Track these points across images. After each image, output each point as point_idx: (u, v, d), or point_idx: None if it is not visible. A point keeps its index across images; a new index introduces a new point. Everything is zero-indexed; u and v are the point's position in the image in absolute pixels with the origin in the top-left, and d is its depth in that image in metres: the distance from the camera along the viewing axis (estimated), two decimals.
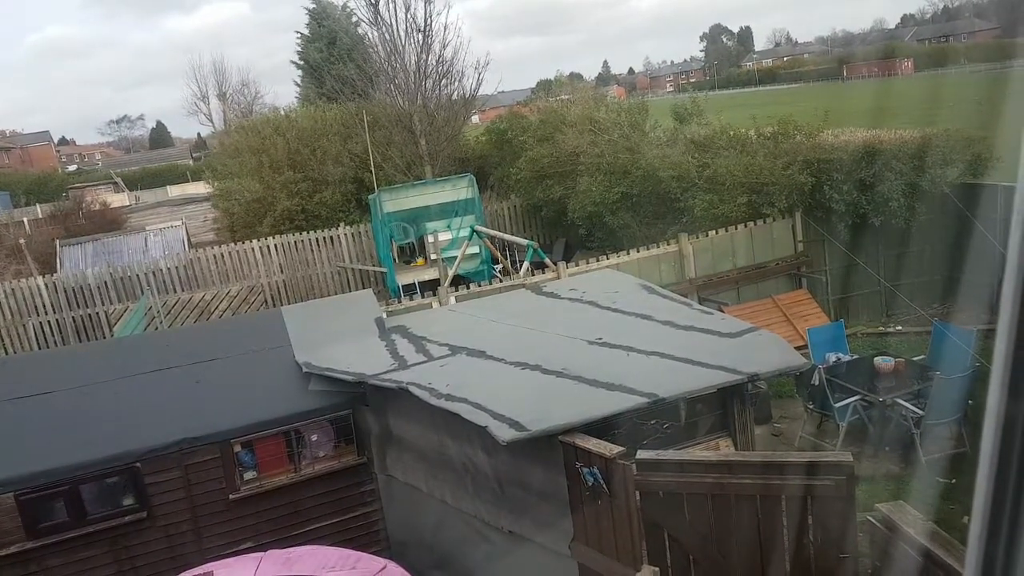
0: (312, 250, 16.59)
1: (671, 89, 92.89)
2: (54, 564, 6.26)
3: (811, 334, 9.35)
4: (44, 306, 15.11)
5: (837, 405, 7.69)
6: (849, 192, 10.67)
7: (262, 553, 5.64)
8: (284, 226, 17.43)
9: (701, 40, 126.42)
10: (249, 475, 6.76)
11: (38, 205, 34.02)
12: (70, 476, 6.16)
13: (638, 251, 11.13)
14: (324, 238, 16.69)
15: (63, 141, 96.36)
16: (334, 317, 8.08)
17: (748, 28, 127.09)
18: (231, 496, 6.62)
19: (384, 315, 8.10)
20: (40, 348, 14.79)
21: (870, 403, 7.76)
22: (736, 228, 11.30)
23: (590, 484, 4.76)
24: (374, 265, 16.51)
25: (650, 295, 7.67)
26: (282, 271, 16.41)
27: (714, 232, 11.30)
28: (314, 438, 6.94)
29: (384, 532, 7.05)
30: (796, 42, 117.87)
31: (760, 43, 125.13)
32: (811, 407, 8.23)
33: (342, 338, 7.44)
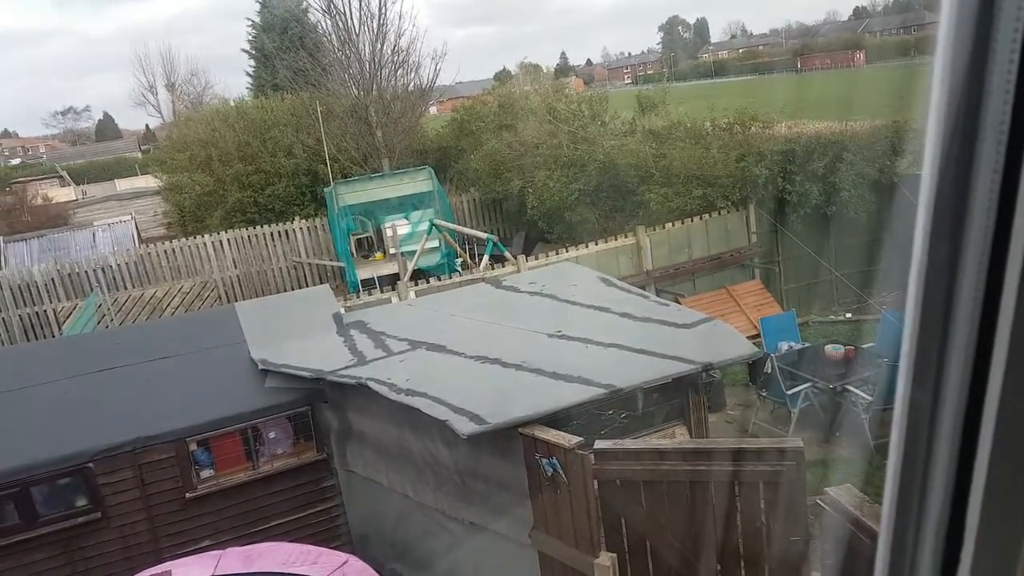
0: (266, 244, 16.34)
1: (628, 81, 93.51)
2: (4, 568, 6.10)
3: (764, 323, 9.59)
4: None
5: (789, 392, 7.90)
6: (802, 183, 10.93)
7: (221, 551, 5.58)
8: (236, 219, 17.13)
9: (658, 32, 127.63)
10: (206, 473, 6.67)
11: None
12: (19, 477, 6.01)
13: (596, 244, 11.25)
14: (278, 232, 16.45)
15: (6, 134, 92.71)
16: (291, 313, 8.01)
17: (704, 20, 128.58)
18: (188, 495, 6.53)
19: (343, 311, 8.05)
20: None
21: (821, 390, 8.00)
22: (692, 220, 11.50)
23: (549, 474, 4.83)
24: (331, 260, 16.34)
25: (608, 287, 7.77)
26: (236, 266, 16.13)
27: (670, 224, 11.48)
28: (272, 435, 6.88)
29: (345, 527, 7.04)
30: (751, 34, 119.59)
31: (716, 35, 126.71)
32: (764, 394, 8.45)
33: (299, 334, 7.38)
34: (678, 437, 5.97)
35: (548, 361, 5.80)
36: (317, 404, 6.81)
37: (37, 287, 14.96)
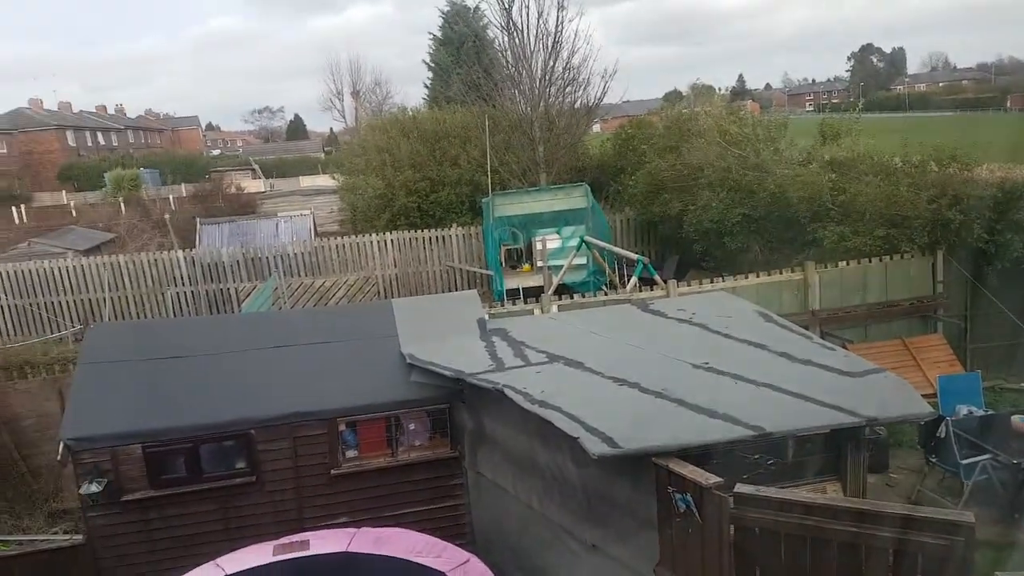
0: (425, 248, 17.09)
1: (810, 108, 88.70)
2: (171, 513, 6.77)
3: (942, 382, 8.69)
4: (182, 278, 16.40)
5: (964, 462, 7.10)
6: (1003, 233, 9.81)
7: (355, 529, 5.85)
8: (400, 222, 18.04)
9: (848, 59, 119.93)
10: (351, 453, 7.06)
11: (183, 184, 37.00)
12: (192, 435, 6.65)
13: (758, 276, 10.69)
14: (437, 237, 17.15)
15: (209, 127, 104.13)
16: (440, 314, 8.29)
17: (901, 49, 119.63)
18: (332, 471, 6.94)
19: (487, 316, 8.22)
20: (176, 316, 16.05)
21: (1002, 464, 7.11)
22: (870, 261, 10.65)
23: (681, 510, 4.62)
24: (481, 267, 16.78)
25: (767, 323, 7.34)
26: (396, 265, 17.00)
27: (844, 263, 10.69)
28: (412, 427, 7.14)
29: (470, 526, 7.15)
30: (955, 67, 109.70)
31: (914, 66, 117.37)
32: (934, 461, 7.63)
33: (445, 335, 7.61)
34: (829, 494, 5.51)
35: (691, 393, 5.56)
36: (455, 403, 6.99)
37: (224, 267, 16.59)
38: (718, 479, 4.47)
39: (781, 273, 10.73)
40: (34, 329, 15.68)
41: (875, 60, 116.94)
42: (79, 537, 6.91)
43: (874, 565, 4.09)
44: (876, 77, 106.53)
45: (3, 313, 15.91)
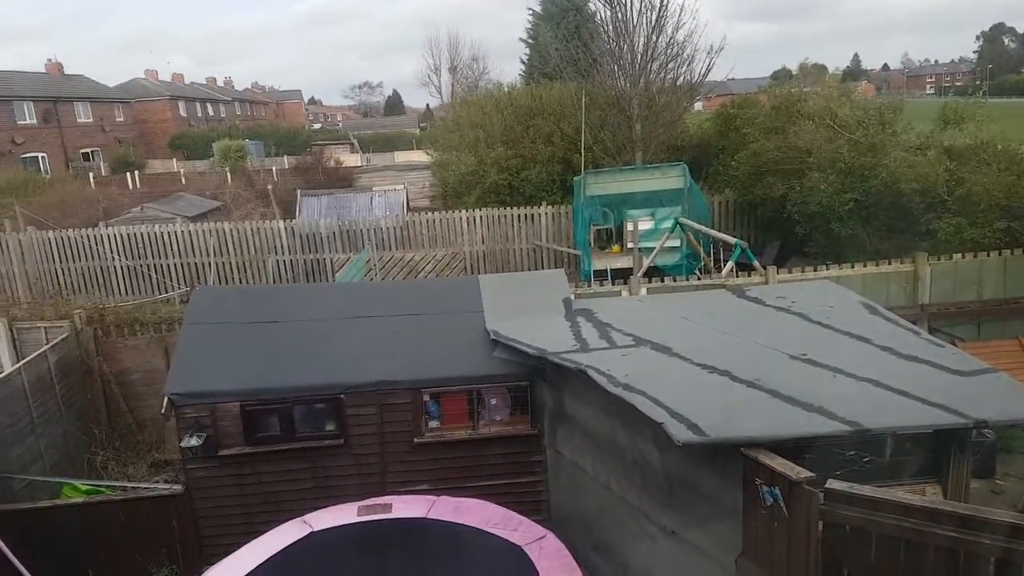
0: (513, 225, 17.12)
1: (931, 91, 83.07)
2: (264, 470, 7.12)
3: None
4: (282, 247, 17.12)
5: None
6: None
7: (435, 497, 5.98)
8: (490, 199, 18.10)
9: (977, 39, 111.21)
10: (433, 424, 7.21)
11: (285, 157, 38.51)
12: (286, 397, 6.94)
13: (864, 265, 10.15)
14: (525, 215, 17.14)
15: (312, 100, 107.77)
16: (526, 291, 8.28)
17: None
18: (415, 440, 7.10)
19: (573, 296, 8.15)
20: (275, 283, 16.78)
21: None
22: (987, 255, 9.91)
23: (768, 504, 4.46)
24: (569, 247, 16.67)
25: (871, 315, 6.95)
26: (483, 242, 17.13)
27: (959, 256, 9.99)
28: (493, 402, 7.21)
29: (546, 504, 7.18)
30: None
31: None
32: None
33: (530, 312, 7.61)
34: (928, 496, 5.20)
35: (786, 384, 5.35)
36: (537, 381, 6.99)
37: (321, 238, 17.19)
38: (809, 474, 4.30)
39: (889, 264, 10.15)
40: (144, 289, 16.79)
41: (1007, 41, 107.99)
42: (178, 487, 7.33)
43: (973, 574, 3.84)
44: (1007, 59, 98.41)
45: (117, 273, 17.08)
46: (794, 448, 4.72)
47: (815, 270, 10.14)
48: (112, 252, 16.97)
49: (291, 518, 5.81)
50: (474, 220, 17.10)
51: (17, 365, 8.72)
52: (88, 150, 44.47)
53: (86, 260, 17.09)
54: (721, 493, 4.95)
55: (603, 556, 6.32)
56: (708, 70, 18.15)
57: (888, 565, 4.11)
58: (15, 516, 7.18)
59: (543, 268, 16.45)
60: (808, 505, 4.25)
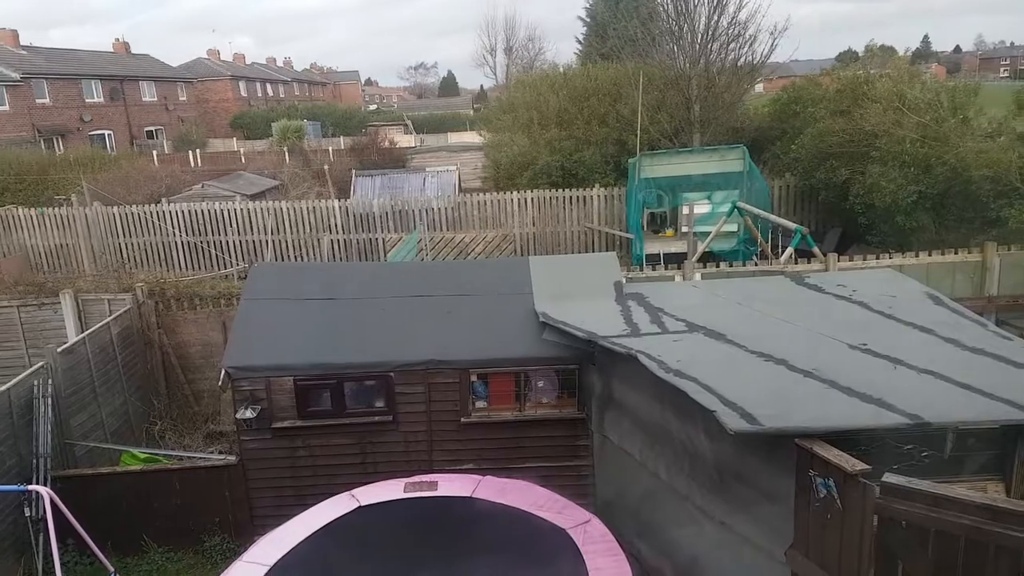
0: (564, 207, 17.02)
1: (1006, 74, 78.88)
2: (315, 443, 7.28)
3: None
4: (337, 226, 17.40)
5: None
6: None
7: (481, 477, 6.01)
8: (541, 180, 18.02)
9: None
10: (480, 404, 7.24)
11: (341, 137, 39.01)
12: (338, 372, 7.06)
13: (929, 254, 9.76)
14: (577, 197, 17.00)
15: (368, 82, 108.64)
16: (576, 274, 8.21)
17: None
18: (462, 420, 7.15)
19: (624, 280, 8.05)
20: (329, 261, 17.08)
21: None
22: None
23: (822, 495, 4.34)
24: (621, 230, 16.47)
25: (936, 306, 6.68)
26: (534, 224, 17.09)
27: None
28: (540, 384, 7.19)
29: (592, 488, 7.15)
30: None
31: None
32: None
33: (580, 295, 7.55)
34: (991, 493, 4.98)
35: (844, 374, 5.18)
36: (585, 365, 6.94)
37: (374, 217, 17.40)
38: (865, 466, 4.17)
39: (956, 253, 9.73)
40: (203, 265, 17.31)
41: None
42: (232, 458, 7.53)
43: None
44: None
45: (178, 249, 17.64)
46: (850, 440, 4.58)
47: (877, 258, 9.80)
48: (173, 228, 17.52)
49: (339, 492, 5.93)
50: (525, 201, 17.06)
51: (82, 335, 9.03)
52: (152, 128, 45.89)
53: (148, 235, 17.70)
54: (772, 483, 4.85)
55: (648, 543, 6.27)
56: (771, 51, 17.72)
57: (946, 563, 3.97)
58: (76, 481, 7.50)
59: (594, 251, 16.32)
60: (863, 499, 4.13)
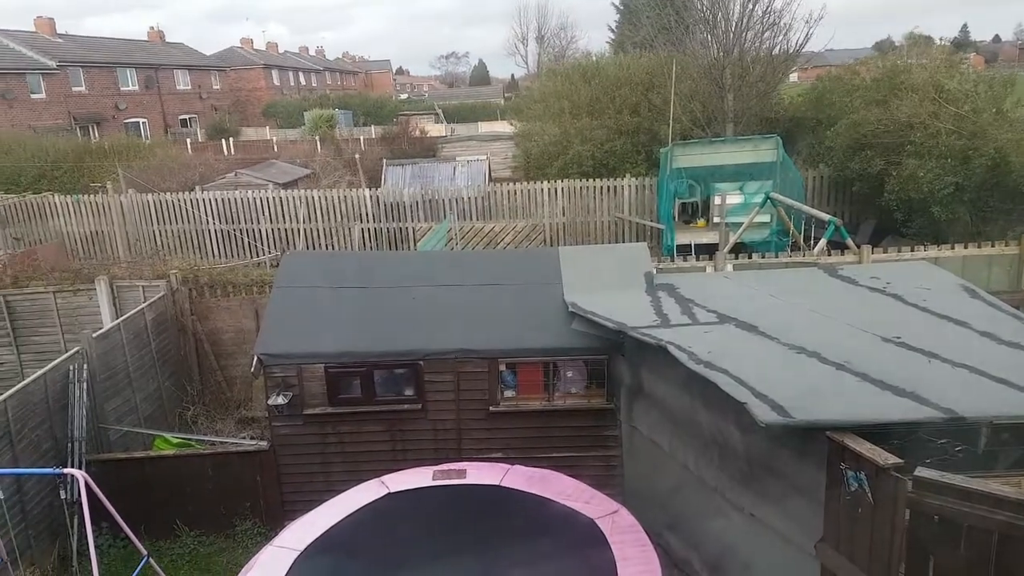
0: (595, 197, 16.92)
1: None
2: (345, 430, 7.38)
3: None
4: (367, 215, 17.53)
5: None
6: None
7: (509, 466, 6.05)
8: (572, 170, 17.92)
9: None
10: (508, 393, 7.28)
11: (372, 126, 39.18)
12: (368, 360, 7.15)
13: (965, 247, 9.56)
14: (608, 187, 16.89)
15: (399, 71, 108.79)
16: (606, 264, 8.19)
17: None
18: (491, 408, 7.20)
19: (654, 271, 8.01)
20: (360, 249, 17.22)
21: None
22: None
23: (853, 489, 4.30)
24: (652, 220, 16.35)
25: (971, 299, 6.55)
26: (564, 214, 17.03)
27: None
28: (569, 374, 7.20)
29: (620, 479, 7.16)
30: None
31: None
32: None
33: (610, 286, 7.53)
34: None
35: (877, 367, 5.11)
36: (614, 355, 6.94)
37: (404, 206, 17.50)
38: (897, 460, 4.12)
39: (993, 246, 9.52)
40: (236, 252, 17.56)
41: None
42: (264, 443, 7.65)
43: None
44: None
45: (211, 236, 17.92)
46: (882, 434, 4.53)
47: (912, 251, 9.64)
48: (207, 216, 17.80)
49: (369, 478, 6.01)
50: (555, 191, 17.01)
51: (116, 321, 9.19)
52: (186, 116, 46.57)
53: (182, 223, 18.00)
54: (803, 476, 4.81)
55: (676, 534, 6.27)
56: (806, 40, 17.40)
57: (978, 558, 3.91)
58: (111, 465, 7.66)
59: (624, 242, 16.23)
60: (895, 492, 4.08)
